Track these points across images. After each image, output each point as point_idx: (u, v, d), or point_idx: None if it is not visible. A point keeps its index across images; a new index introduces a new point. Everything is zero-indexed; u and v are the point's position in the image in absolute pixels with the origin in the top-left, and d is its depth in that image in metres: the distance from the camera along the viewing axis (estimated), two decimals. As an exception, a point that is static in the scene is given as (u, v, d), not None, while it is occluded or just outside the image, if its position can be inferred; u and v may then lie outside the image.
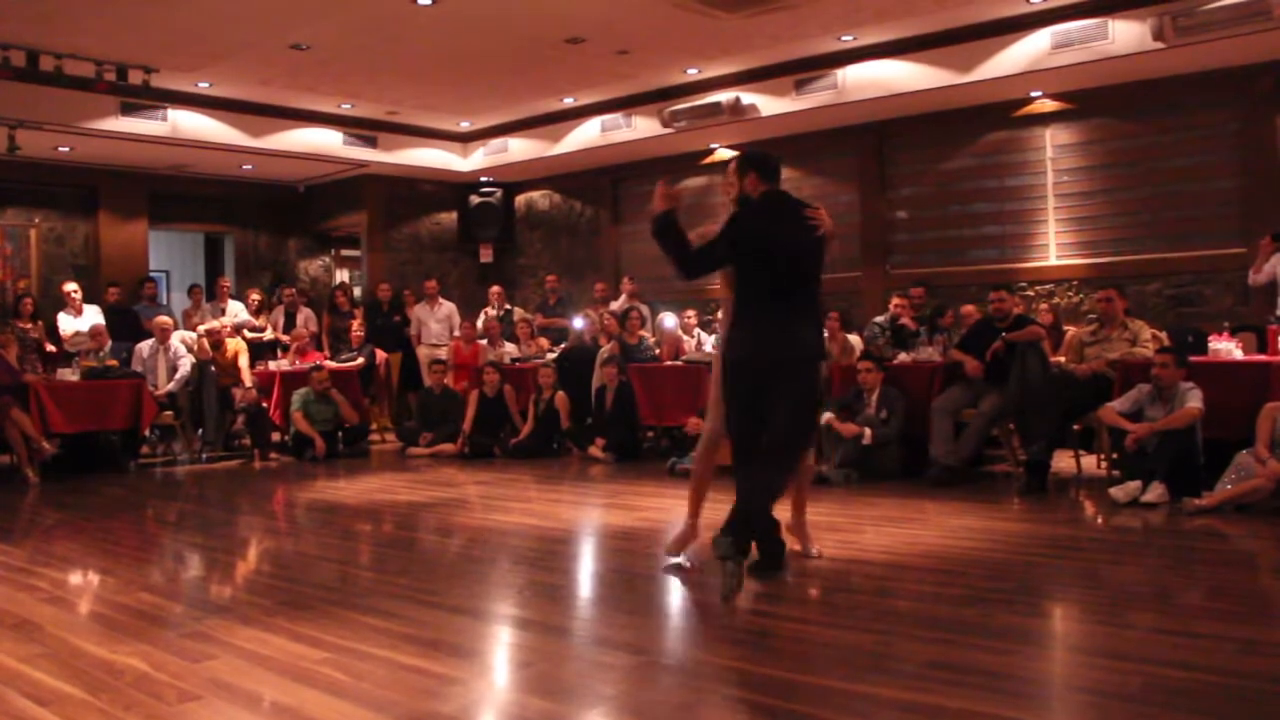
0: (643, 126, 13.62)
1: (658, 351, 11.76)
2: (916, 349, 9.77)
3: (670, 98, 13.11)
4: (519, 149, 15.24)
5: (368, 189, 15.95)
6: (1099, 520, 7.23)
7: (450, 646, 4.39)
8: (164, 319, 12.03)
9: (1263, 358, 8.11)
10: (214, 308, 13.88)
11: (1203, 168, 10.83)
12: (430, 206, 16.71)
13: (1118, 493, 7.43)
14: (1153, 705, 3.50)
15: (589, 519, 7.88)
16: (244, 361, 12.30)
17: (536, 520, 7.56)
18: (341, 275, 17.42)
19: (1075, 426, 8.80)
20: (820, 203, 5.91)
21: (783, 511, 5.60)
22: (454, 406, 12.06)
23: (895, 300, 11.02)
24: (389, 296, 14.55)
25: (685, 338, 11.94)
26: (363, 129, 14.64)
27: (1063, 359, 9.12)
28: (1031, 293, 11.61)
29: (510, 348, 13.27)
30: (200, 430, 11.98)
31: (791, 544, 5.78)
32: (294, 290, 14.85)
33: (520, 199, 16.90)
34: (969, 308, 9.97)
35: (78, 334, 12.38)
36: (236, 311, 13.93)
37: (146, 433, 11.50)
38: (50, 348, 12.31)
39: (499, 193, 16.63)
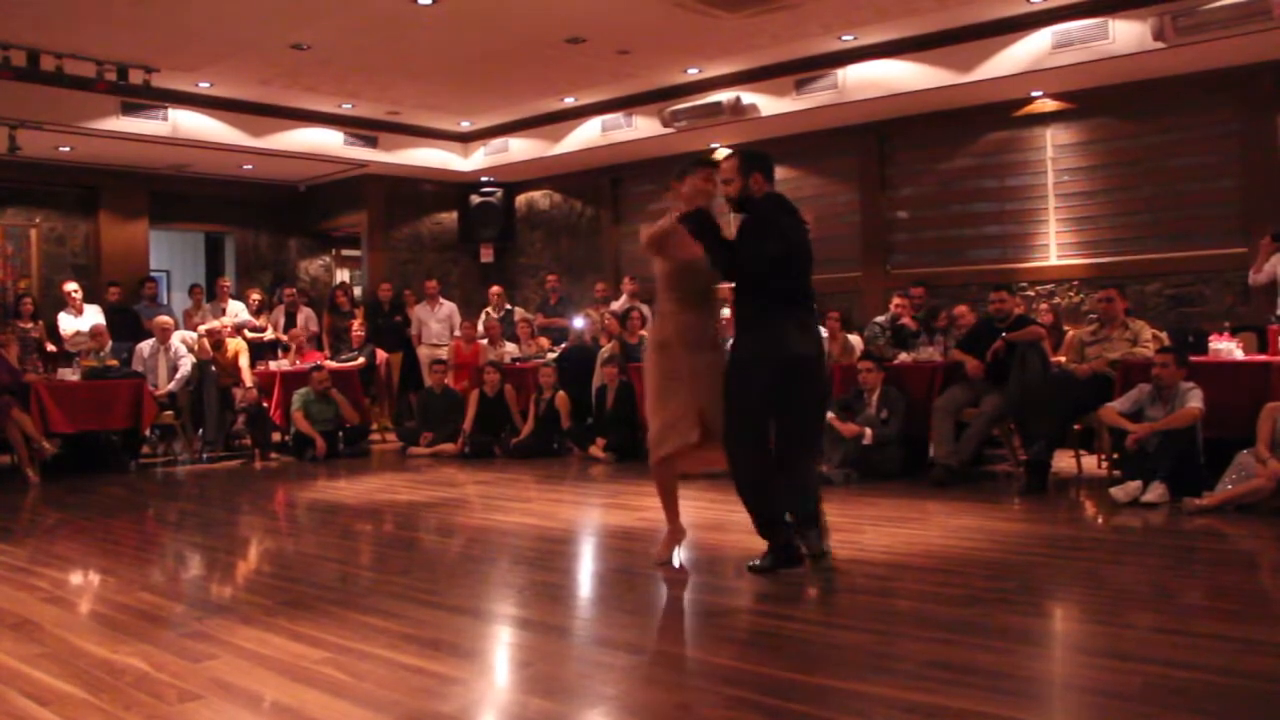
0: (643, 126, 13.62)
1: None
2: (917, 349, 9.77)
3: (671, 97, 13.11)
4: (519, 149, 15.24)
5: (368, 189, 15.95)
6: (1099, 520, 7.23)
7: (451, 646, 4.40)
8: (164, 319, 12.03)
9: (1263, 357, 8.11)
10: (214, 308, 13.87)
11: (1203, 167, 10.84)
12: (431, 206, 16.71)
13: (1118, 493, 7.43)
14: (1153, 705, 3.50)
15: (589, 519, 7.89)
16: (244, 361, 12.30)
17: (537, 520, 7.56)
18: (342, 275, 17.43)
19: (1076, 426, 8.80)
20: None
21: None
22: (454, 406, 12.06)
23: (896, 300, 11.02)
24: (389, 296, 14.55)
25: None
26: (363, 129, 14.64)
27: (1063, 359, 9.12)
28: (1032, 293, 11.61)
29: (511, 347, 13.27)
30: (201, 430, 11.99)
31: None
32: (294, 290, 14.85)
33: (521, 199, 16.90)
34: (962, 308, 9.96)
35: (78, 334, 12.38)
36: (237, 311, 13.93)
37: (147, 432, 11.51)
38: (51, 347, 12.32)
39: (499, 192, 16.63)
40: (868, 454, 8.93)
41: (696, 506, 7.91)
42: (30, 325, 12.12)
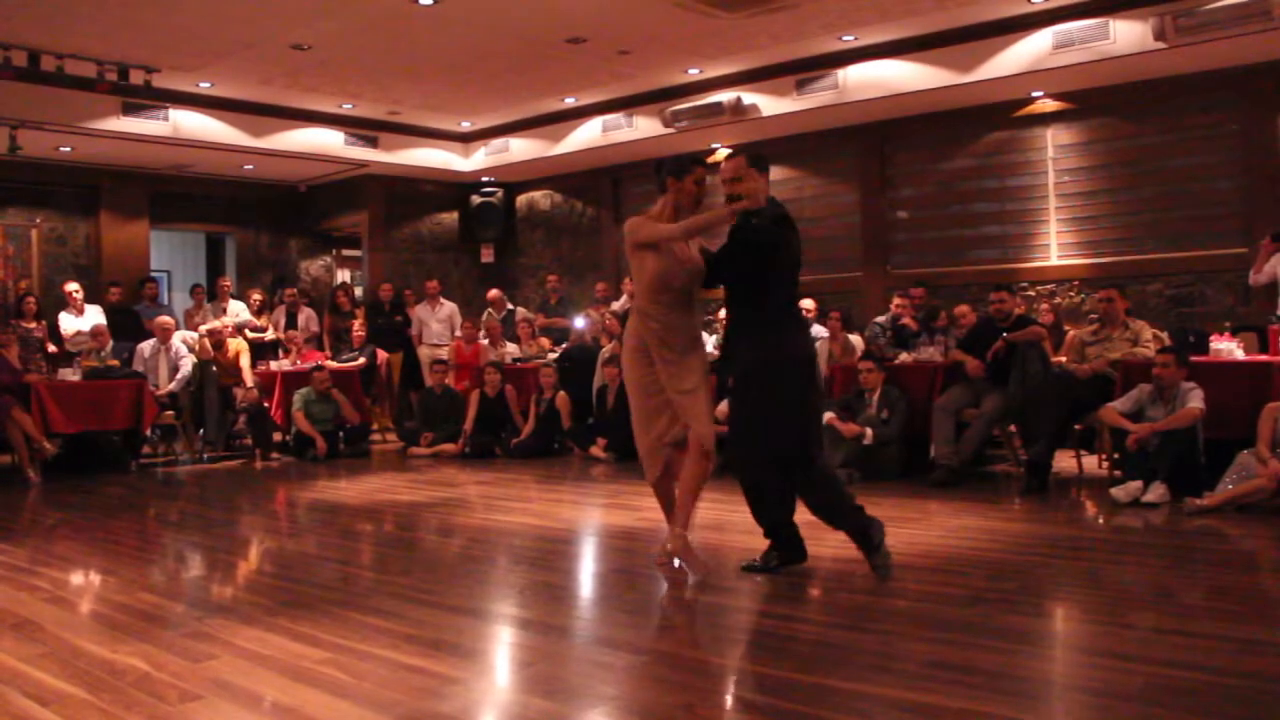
0: (644, 126, 13.62)
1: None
2: (917, 349, 9.77)
3: (671, 98, 13.12)
4: (520, 149, 15.25)
5: (369, 189, 15.97)
6: (1100, 520, 7.23)
7: (451, 646, 4.39)
8: (165, 319, 12.03)
9: (1264, 358, 8.11)
10: (215, 308, 13.89)
11: (1204, 168, 10.84)
12: (431, 206, 16.72)
13: (1119, 493, 7.43)
14: (1154, 705, 3.50)
15: (590, 519, 7.89)
16: (245, 361, 12.31)
17: (537, 520, 7.56)
18: (343, 275, 17.44)
19: (1076, 426, 8.79)
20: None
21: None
22: (455, 406, 12.06)
23: (896, 300, 11.03)
24: (390, 296, 14.55)
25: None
26: (364, 129, 14.65)
27: (1064, 359, 9.12)
28: (1033, 293, 11.61)
29: (511, 348, 13.27)
30: (201, 430, 11.99)
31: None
32: (295, 290, 14.86)
33: (521, 199, 16.91)
34: (963, 307, 9.97)
35: (79, 334, 12.39)
36: (238, 311, 13.94)
37: (148, 433, 11.49)
38: (51, 348, 12.32)
39: (500, 193, 16.64)
40: (868, 454, 8.93)
41: (697, 507, 7.92)
42: (34, 325, 12.12)
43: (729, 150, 5.92)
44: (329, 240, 17.47)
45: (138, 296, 13.93)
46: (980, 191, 12.28)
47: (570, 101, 13.94)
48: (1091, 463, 9.22)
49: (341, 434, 11.85)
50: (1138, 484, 7.38)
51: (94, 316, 12.64)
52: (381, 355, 13.63)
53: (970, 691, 3.64)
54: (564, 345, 12.89)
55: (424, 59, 11.68)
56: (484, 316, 14.21)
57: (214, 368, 12.01)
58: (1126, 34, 10.01)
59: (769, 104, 12.45)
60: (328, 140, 14.42)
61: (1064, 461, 9.05)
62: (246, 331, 13.48)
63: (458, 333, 13.79)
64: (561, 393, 11.52)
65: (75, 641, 4.51)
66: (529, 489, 9.28)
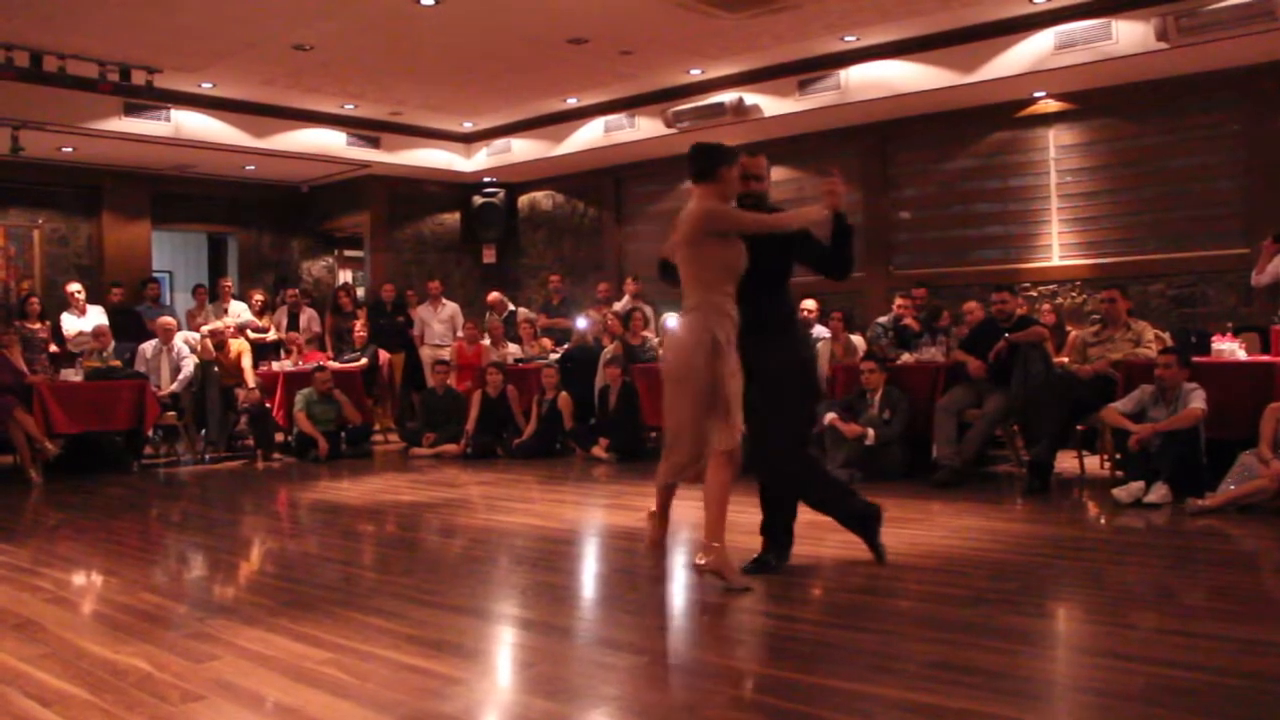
0: (646, 127, 13.62)
1: (661, 352, 11.74)
2: (919, 349, 9.77)
3: (673, 98, 13.11)
4: (522, 149, 15.25)
5: (371, 189, 15.97)
6: (1102, 521, 7.23)
7: (453, 647, 4.40)
8: (168, 320, 12.04)
9: (1266, 358, 8.11)
10: (216, 308, 13.89)
11: (1206, 168, 10.84)
12: (433, 207, 16.72)
13: (1121, 493, 7.42)
14: (1155, 705, 3.50)
15: (592, 520, 7.89)
16: (247, 362, 12.30)
17: (539, 521, 7.56)
18: (345, 276, 17.43)
19: (1078, 427, 8.79)
20: (822, 203, 5.89)
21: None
22: (457, 407, 12.06)
23: (898, 301, 11.02)
24: (392, 297, 14.55)
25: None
26: (366, 129, 14.65)
27: (1066, 359, 9.13)
28: (1035, 293, 11.61)
29: (513, 348, 13.26)
30: (203, 431, 11.99)
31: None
32: (297, 291, 14.87)
33: (523, 199, 16.91)
34: (971, 304, 9.96)
35: (81, 334, 12.38)
36: (239, 312, 13.94)
37: (150, 433, 11.51)
38: (53, 348, 12.32)
39: (502, 193, 16.64)
40: (870, 454, 8.93)
41: (698, 507, 7.91)
42: (38, 325, 12.13)
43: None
44: (331, 241, 17.47)
45: (140, 297, 13.93)
46: (982, 192, 12.27)
47: (572, 102, 13.94)
48: (1093, 463, 9.22)
49: (343, 434, 11.84)
50: (1140, 484, 7.38)
51: (96, 317, 12.64)
52: (383, 356, 13.63)
53: (972, 692, 3.64)
54: (566, 346, 12.89)
55: (426, 59, 11.68)
56: (487, 316, 14.21)
57: (216, 368, 12.00)
58: (1129, 34, 10.01)
59: (771, 104, 12.45)
60: (330, 141, 14.42)
61: (1066, 462, 9.05)
62: (248, 332, 13.47)
63: (459, 333, 13.78)
64: (563, 393, 11.51)
65: (77, 642, 4.52)
66: (531, 489, 9.28)
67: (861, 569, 5.59)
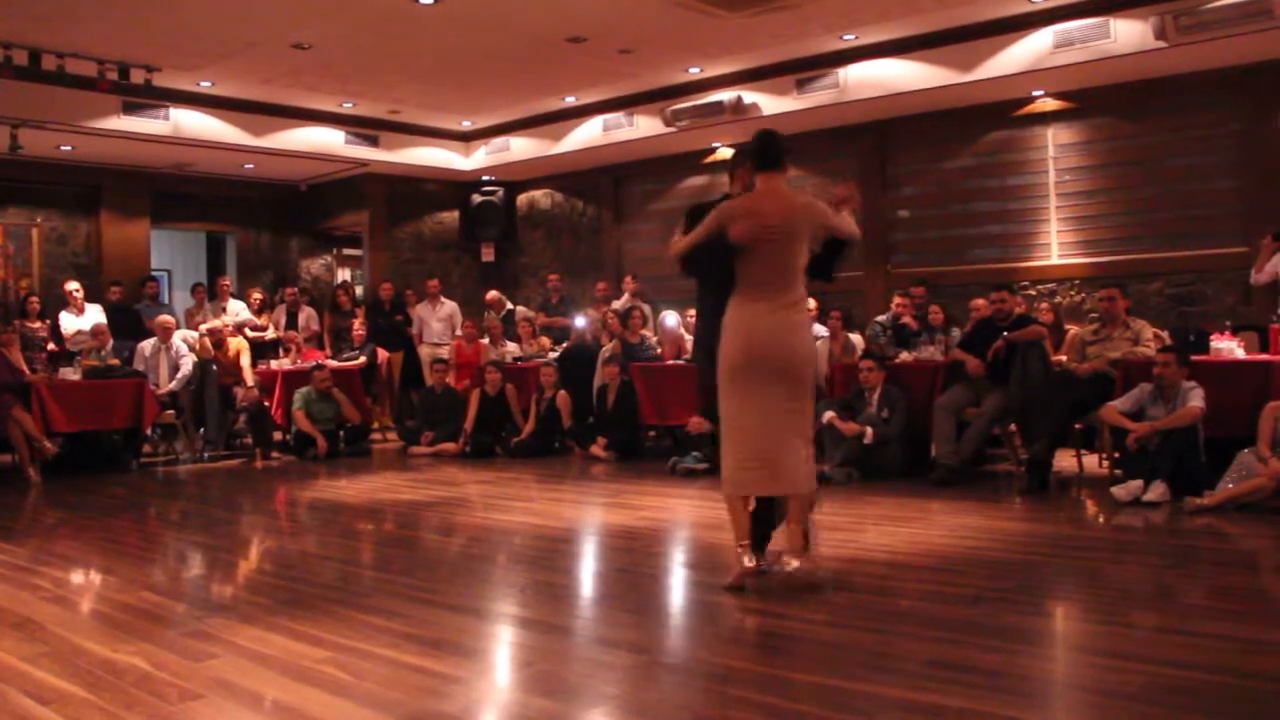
0: (644, 125, 13.62)
1: (659, 351, 11.75)
2: (918, 348, 9.77)
3: (672, 97, 13.11)
4: (521, 148, 15.24)
5: (370, 188, 15.96)
6: (1100, 519, 7.23)
7: (452, 646, 4.40)
8: (166, 318, 12.03)
9: (1264, 357, 8.11)
10: (215, 307, 13.89)
11: (1204, 167, 10.83)
12: (432, 205, 16.71)
13: (1119, 492, 7.43)
14: (1154, 704, 3.50)
15: (591, 518, 7.88)
16: (246, 360, 12.29)
17: (538, 519, 7.56)
18: (343, 274, 17.43)
19: (1077, 425, 8.80)
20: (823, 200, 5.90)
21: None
22: (456, 406, 12.05)
23: (897, 299, 11.01)
24: (391, 295, 14.55)
25: (687, 337, 11.91)
26: (364, 128, 14.65)
27: (1064, 358, 9.13)
28: (1033, 292, 11.60)
29: (512, 347, 13.26)
30: (202, 429, 11.98)
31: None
32: (296, 289, 14.87)
33: (522, 198, 16.90)
34: (979, 300, 9.97)
35: (79, 333, 12.38)
36: (238, 310, 13.94)
37: (148, 432, 11.50)
38: (52, 347, 12.32)
39: (501, 192, 16.63)
40: (869, 453, 8.93)
41: (698, 506, 7.94)
42: (38, 324, 12.13)
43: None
44: (330, 239, 17.46)
45: (138, 295, 13.92)
46: (981, 191, 12.27)
47: (571, 100, 13.94)
48: (1092, 462, 9.22)
49: (342, 433, 11.84)
50: (1138, 483, 7.38)
51: (94, 316, 12.63)
52: (382, 354, 13.62)
53: (970, 690, 3.64)
54: (564, 344, 12.89)
55: (425, 58, 11.68)
56: (485, 315, 14.21)
57: (214, 367, 11.99)
58: (1127, 33, 10.01)
59: (769, 103, 12.44)
60: (328, 139, 14.41)
61: (1064, 460, 9.06)
62: (247, 330, 13.47)
63: (458, 332, 13.78)
64: (562, 392, 11.51)
65: (76, 640, 4.52)
66: (529, 488, 9.28)
67: (861, 568, 5.59)
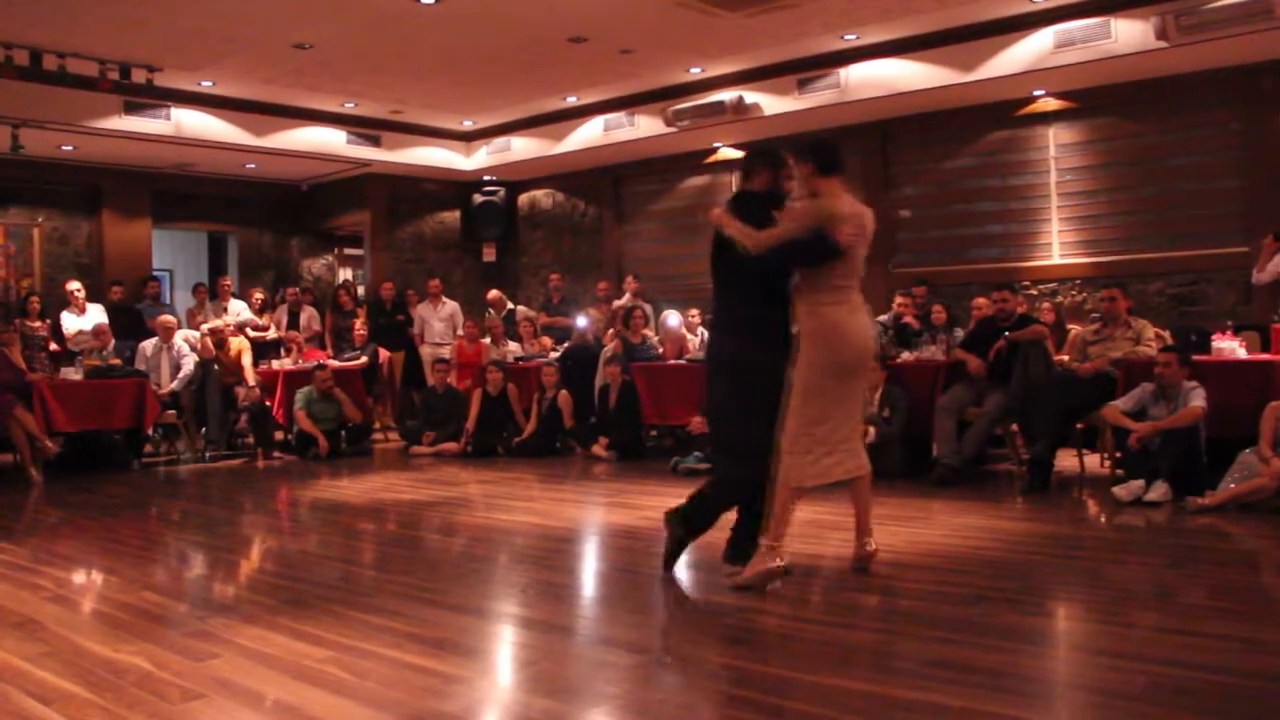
0: (646, 125, 13.62)
1: (661, 350, 11.75)
2: (920, 348, 9.77)
3: (673, 97, 13.11)
4: (522, 148, 15.25)
5: (371, 188, 15.96)
6: (1102, 519, 7.23)
7: (454, 645, 4.40)
8: (168, 318, 12.03)
9: (1266, 357, 8.11)
10: (216, 307, 13.89)
11: (1205, 167, 10.83)
12: (433, 205, 16.72)
13: (1121, 492, 7.43)
14: (1156, 704, 3.50)
15: (592, 518, 7.89)
16: (247, 360, 12.27)
17: (540, 519, 7.56)
18: (345, 274, 17.43)
19: (1078, 425, 8.79)
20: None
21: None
22: (457, 405, 12.05)
23: (898, 299, 11.00)
24: (392, 295, 14.55)
25: (689, 336, 11.92)
26: (366, 128, 14.65)
27: (1066, 358, 9.12)
28: (1035, 292, 11.60)
29: (513, 346, 13.26)
30: (203, 429, 11.97)
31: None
32: (297, 289, 14.87)
33: (523, 198, 16.90)
34: (981, 300, 9.97)
35: (81, 333, 12.38)
36: (239, 310, 13.94)
37: (150, 432, 11.51)
38: (53, 346, 12.32)
39: (502, 192, 16.63)
40: (870, 453, 8.86)
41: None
42: (38, 324, 12.13)
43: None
44: (331, 239, 17.47)
45: (140, 295, 13.94)
46: (982, 190, 12.27)
47: (572, 100, 13.94)
48: (1093, 462, 9.22)
49: (343, 433, 11.84)
50: (1140, 483, 7.38)
51: (96, 315, 12.64)
52: (384, 354, 13.63)
53: (972, 690, 3.64)
54: (566, 344, 12.88)
55: (426, 58, 11.68)
56: (486, 315, 14.22)
57: (216, 367, 11.98)
58: (1128, 33, 10.01)
59: (771, 103, 12.45)
60: (330, 139, 14.42)
61: (1066, 460, 9.05)
62: (248, 330, 13.47)
63: (460, 332, 13.79)
64: (563, 392, 11.51)
65: (77, 640, 4.52)
66: (531, 488, 9.28)
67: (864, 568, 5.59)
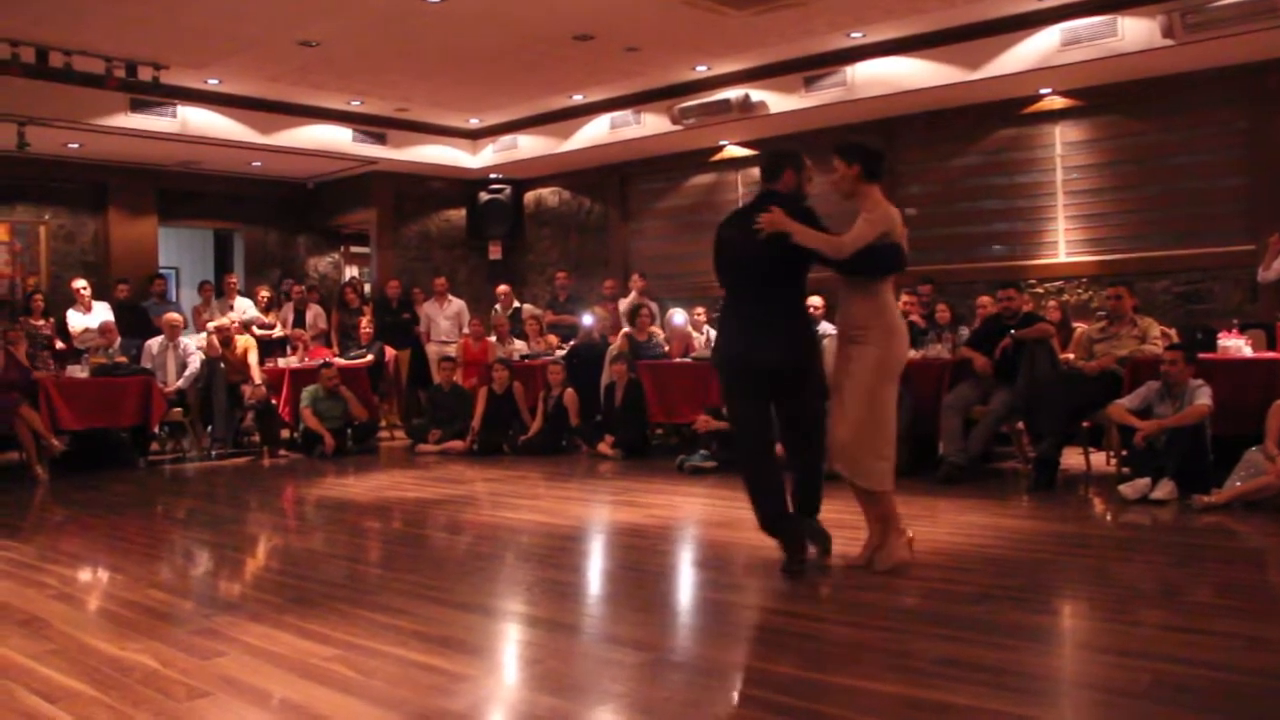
0: (652, 123, 13.61)
1: (667, 349, 11.74)
2: (925, 346, 9.76)
3: (679, 95, 13.10)
4: (528, 146, 15.24)
5: (377, 186, 15.96)
6: (1108, 517, 7.22)
7: (459, 643, 4.40)
8: (174, 316, 12.05)
9: (1272, 355, 8.11)
10: (222, 305, 13.91)
11: (1211, 165, 10.82)
12: (439, 203, 16.72)
13: (1127, 490, 7.42)
14: (1161, 702, 3.50)
15: (598, 516, 7.88)
16: (253, 358, 12.29)
17: (545, 517, 7.56)
18: (351, 272, 17.44)
19: (1084, 424, 8.79)
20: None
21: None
22: (463, 404, 12.06)
23: (904, 298, 10.99)
24: (398, 293, 14.57)
25: (695, 335, 11.92)
26: (372, 126, 14.65)
27: (1072, 356, 9.12)
28: (1041, 290, 11.59)
29: (519, 345, 13.26)
30: (210, 427, 11.98)
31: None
32: (303, 287, 14.88)
33: (529, 196, 16.89)
34: (985, 298, 9.96)
35: (87, 331, 12.41)
36: (244, 308, 13.96)
37: (156, 430, 11.52)
38: (59, 345, 12.34)
39: (508, 190, 16.62)
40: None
41: (706, 504, 7.94)
42: (41, 323, 12.14)
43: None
44: (337, 237, 17.48)
45: (146, 293, 13.95)
46: (988, 188, 12.26)
47: (578, 98, 13.94)
48: (1099, 460, 9.21)
49: (349, 431, 11.87)
50: (1145, 481, 7.37)
51: (102, 313, 12.66)
52: (389, 352, 13.64)
53: (978, 688, 3.64)
54: (572, 342, 12.88)
55: (432, 56, 11.68)
56: (492, 314, 14.22)
57: (222, 365, 12.00)
58: (1134, 31, 9.99)
59: (777, 101, 12.43)
60: (336, 137, 14.42)
61: (1072, 458, 9.04)
62: (254, 328, 13.48)
63: (465, 330, 13.79)
64: (569, 390, 11.51)
65: (83, 638, 4.53)
66: (537, 486, 9.28)
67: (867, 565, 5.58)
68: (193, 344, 11.92)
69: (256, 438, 12.04)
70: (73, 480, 9.96)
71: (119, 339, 11.80)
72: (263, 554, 6.88)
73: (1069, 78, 11.00)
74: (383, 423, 13.39)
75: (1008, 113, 11.95)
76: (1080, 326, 10.25)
